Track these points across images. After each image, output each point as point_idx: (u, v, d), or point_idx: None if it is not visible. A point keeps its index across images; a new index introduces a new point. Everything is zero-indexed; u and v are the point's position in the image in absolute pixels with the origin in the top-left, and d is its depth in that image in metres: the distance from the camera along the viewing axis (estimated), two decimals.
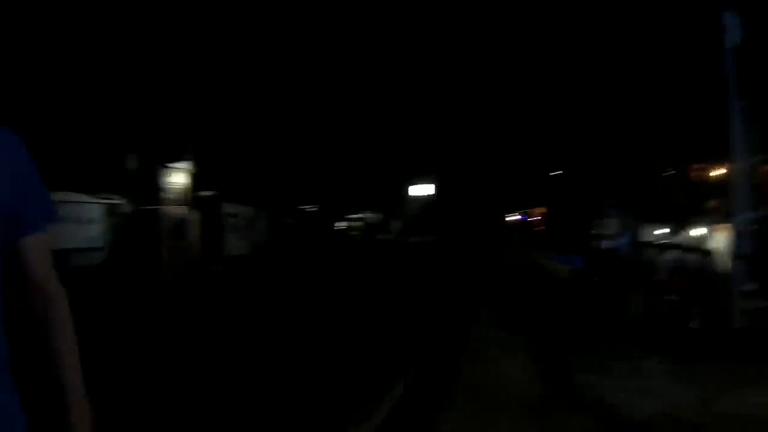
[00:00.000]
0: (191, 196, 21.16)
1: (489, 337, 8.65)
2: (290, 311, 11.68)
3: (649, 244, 13.66)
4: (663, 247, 11.84)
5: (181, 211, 17.97)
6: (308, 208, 39.32)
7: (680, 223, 12.61)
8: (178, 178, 18.87)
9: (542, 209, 59.95)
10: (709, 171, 17.03)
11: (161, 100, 19.09)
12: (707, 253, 10.37)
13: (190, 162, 19.68)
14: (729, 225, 10.20)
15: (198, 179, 23.27)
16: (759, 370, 6.10)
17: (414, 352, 7.66)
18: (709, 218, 13.44)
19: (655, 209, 15.27)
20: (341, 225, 50.43)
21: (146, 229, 17.56)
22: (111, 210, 16.50)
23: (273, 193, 30.55)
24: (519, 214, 73.73)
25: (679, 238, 12.80)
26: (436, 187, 57.62)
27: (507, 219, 74.68)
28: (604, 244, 22.54)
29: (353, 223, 50.73)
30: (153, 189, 18.21)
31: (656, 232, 16.38)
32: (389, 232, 52.83)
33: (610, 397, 5.50)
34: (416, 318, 10.22)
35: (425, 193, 58.33)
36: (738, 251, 8.55)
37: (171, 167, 18.81)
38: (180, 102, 19.95)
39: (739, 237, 8.67)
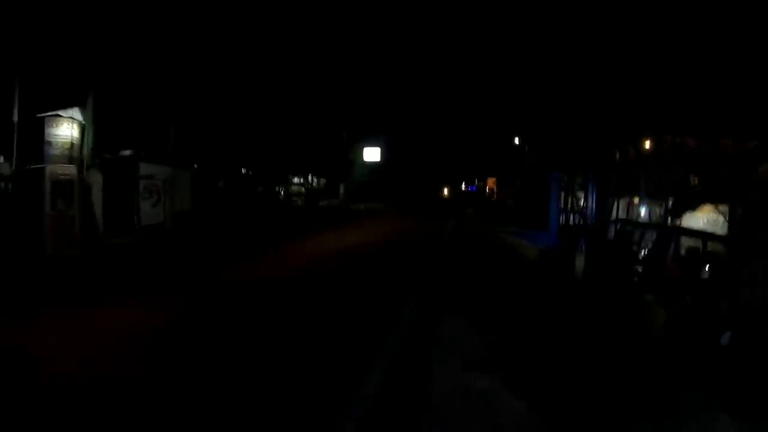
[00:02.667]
0: (91, 154, 17.90)
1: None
2: (201, 299, 9.01)
3: (639, 225, 11.44)
4: (670, 232, 9.50)
5: (71, 171, 14.75)
6: (247, 170, 36.05)
7: (680, 201, 10.38)
8: (68, 130, 15.61)
9: (493, 180, 58.40)
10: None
11: (51, 29, 15.83)
12: (717, 238, 8.20)
13: (85, 110, 16.39)
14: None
15: (105, 134, 19.94)
16: None
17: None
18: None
19: (646, 184, 13.00)
20: (283, 189, 47.22)
21: (26, 194, 14.41)
22: None
23: (201, 152, 27.28)
24: (470, 185, 72.44)
25: (683, 220, 10.64)
26: (384, 151, 54.79)
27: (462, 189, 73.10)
28: (574, 219, 20.67)
29: (295, 188, 47.59)
30: (36, 143, 14.98)
31: (643, 211, 14.31)
32: (337, 197, 49.91)
33: None
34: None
35: (374, 158, 55.44)
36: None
37: (61, 116, 15.54)
38: (77, 31, 16.67)
39: None
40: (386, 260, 14.73)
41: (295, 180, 48.02)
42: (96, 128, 18.36)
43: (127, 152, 22.99)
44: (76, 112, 16.02)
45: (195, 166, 28.42)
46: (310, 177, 48.62)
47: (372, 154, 55.21)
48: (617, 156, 15.33)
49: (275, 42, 33.11)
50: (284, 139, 36.64)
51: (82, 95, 17.10)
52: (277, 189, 41.77)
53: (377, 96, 48.48)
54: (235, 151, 30.91)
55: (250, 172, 34.77)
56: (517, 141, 34.09)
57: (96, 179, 17.72)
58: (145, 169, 21.64)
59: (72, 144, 15.82)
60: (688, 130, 11.50)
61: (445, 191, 66.92)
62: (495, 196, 48.71)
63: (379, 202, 48.68)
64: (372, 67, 45.64)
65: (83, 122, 16.57)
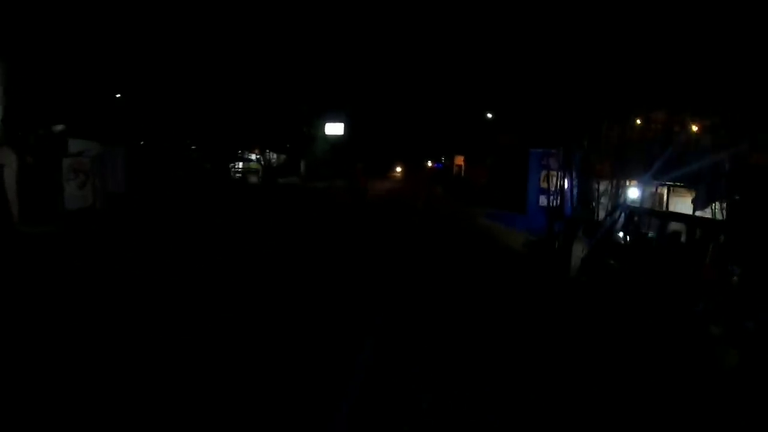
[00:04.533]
0: (1, 129, 15.58)
1: None
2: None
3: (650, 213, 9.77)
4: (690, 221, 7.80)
5: None
6: (197, 146, 33.54)
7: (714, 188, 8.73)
8: None
9: (462, 157, 56.90)
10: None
11: None
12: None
13: None
14: None
15: (25, 106, 17.59)
16: None
17: None
18: None
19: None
20: (238, 166, 44.70)
21: None
22: None
23: (144, 127, 24.82)
24: (437, 163, 70.94)
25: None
26: (347, 126, 52.47)
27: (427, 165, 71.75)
28: (543, 200, 19.05)
29: (252, 165, 45.10)
30: None
31: (633, 194, 12.71)
32: (297, 174, 47.49)
33: None
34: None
35: (336, 132, 52.96)
36: None
37: None
38: None
39: None
40: (336, 255, 12.86)
41: (253, 156, 45.49)
42: (9, 100, 15.99)
43: (60, 127, 20.57)
44: None
45: (141, 143, 25.98)
46: (268, 153, 45.96)
47: (334, 128, 52.65)
48: (609, 131, 13.65)
49: (230, 8, 30.58)
50: (238, 112, 34.18)
51: None
52: (230, 166, 39.26)
53: (340, 67, 46.19)
54: (182, 125, 28.46)
55: (200, 149, 32.20)
56: (489, 116, 32.31)
57: (9, 159, 15.42)
58: (73, 146, 19.30)
59: None
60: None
61: (411, 168, 65.23)
62: (463, 173, 47.21)
63: (343, 179, 46.66)
64: (334, 37, 43.28)
65: None
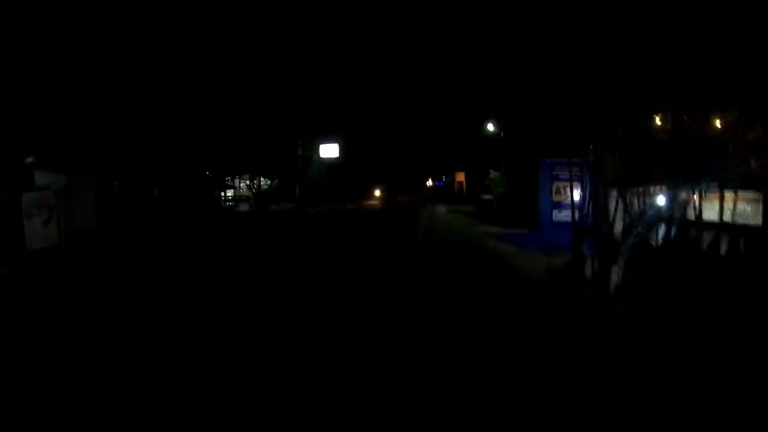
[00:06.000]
0: None
1: None
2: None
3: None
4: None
5: None
6: (181, 174, 31.84)
7: None
8: None
9: (463, 173, 55.47)
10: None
11: None
12: None
13: None
14: None
15: None
16: None
17: None
18: None
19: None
20: (228, 194, 43.06)
21: None
22: None
23: (119, 157, 23.18)
24: (437, 180, 70.32)
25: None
26: (342, 147, 50.79)
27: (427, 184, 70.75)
28: (557, 215, 17.40)
29: (242, 192, 43.43)
30: None
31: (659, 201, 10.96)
32: (291, 199, 45.62)
33: None
34: None
35: (331, 154, 51.07)
36: None
37: None
38: None
39: None
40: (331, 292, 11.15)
41: (243, 184, 43.84)
42: None
43: (30, 159, 19.02)
44: None
45: (114, 173, 24.24)
46: (260, 179, 44.13)
47: (329, 150, 50.75)
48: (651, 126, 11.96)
49: (220, 25, 29.14)
50: (225, 137, 32.48)
51: None
52: (217, 194, 37.45)
53: (333, 85, 44.61)
54: (162, 152, 26.80)
55: (185, 176, 30.43)
56: (491, 127, 30.65)
57: None
58: (40, 178, 17.71)
59: None
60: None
61: (410, 188, 63.71)
62: (464, 190, 45.72)
63: (340, 203, 45.06)
64: (326, 57, 41.88)
65: None
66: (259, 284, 11.99)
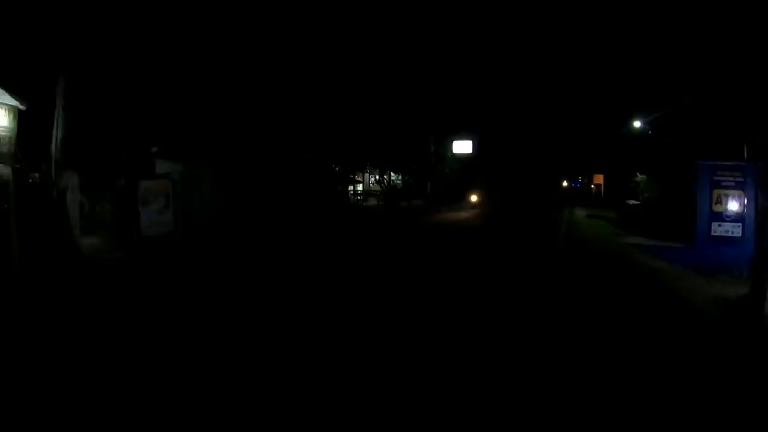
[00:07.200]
0: (60, 150, 14.30)
1: None
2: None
3: None
4: None
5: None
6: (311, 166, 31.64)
7: None
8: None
9: (601, 176, 51.87)
10: None
11: None
12: None
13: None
14: None
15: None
16: None
17: None
18: None
19: None
20: (358, 189, 42.76)
21: None
22: None
23: (239, 143, 23.01)
24: (574, 182, 67.87)
25: None
26: (476, 144, 48.61)
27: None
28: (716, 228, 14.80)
29: (370, 187, 42.89)
30: None
31: None
32: (422, 196, 44.18)
33: None
34: None
35: (465, 150, 48.60)
36: None
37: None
38: None
39: None
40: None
41: (372, 179, 43.25)
42: (68, 119, 14.59)
43: (155, 149, 19.36)
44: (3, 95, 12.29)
45: (237, 162, 24.15)
46: (390, 174, 43.04)
47: (463, 146, 48.33)
48: None
49: (352, 22, 28.70)
50: (355, 131, 31.82)
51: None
52: (344, 188, 36.85)
53: (468, 79, 42.67)
54: (292, 142, 26.59)
55: (308, 169, 30.01)
56: (637, 124, 27.52)
57: (71, 182, 13.97)
58: (160, 167, 17.88)
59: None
60: None
61: (548, 189, 60.71)
62: (602, 193, 42.54)
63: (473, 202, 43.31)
64: (462, 49, 40.15)
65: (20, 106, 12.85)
66: (375, 291, 10.69)
